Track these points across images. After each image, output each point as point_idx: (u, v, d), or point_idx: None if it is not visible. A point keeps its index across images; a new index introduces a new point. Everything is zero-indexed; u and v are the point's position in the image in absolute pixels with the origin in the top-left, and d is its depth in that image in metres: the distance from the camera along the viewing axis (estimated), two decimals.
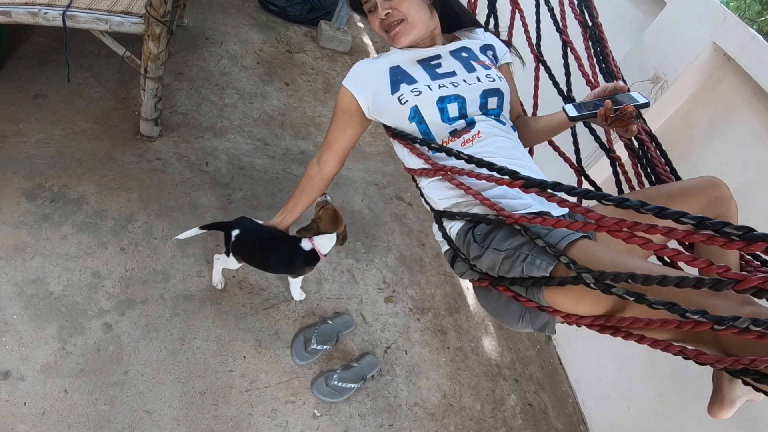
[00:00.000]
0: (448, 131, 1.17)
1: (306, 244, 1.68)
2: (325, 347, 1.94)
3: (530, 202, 1.06)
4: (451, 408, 2.04)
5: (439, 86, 1.18)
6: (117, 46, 2.02)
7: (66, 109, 2.29)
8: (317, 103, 3.12)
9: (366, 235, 2.47)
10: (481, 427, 2.04)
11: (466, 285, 2.52)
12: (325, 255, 1.73)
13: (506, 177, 0.92)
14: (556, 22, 1.67)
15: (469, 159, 1.01)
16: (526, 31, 1.73)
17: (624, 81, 1.56)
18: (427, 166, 1.17)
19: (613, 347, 2.19)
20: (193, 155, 2.39)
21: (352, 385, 1.88)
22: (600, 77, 1.57)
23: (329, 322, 2.02)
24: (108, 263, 1.86)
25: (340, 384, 1.85)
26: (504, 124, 1.21)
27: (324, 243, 1.70)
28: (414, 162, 1.23)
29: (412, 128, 1.20)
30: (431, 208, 1.23)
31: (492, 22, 1.75)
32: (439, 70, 1.22)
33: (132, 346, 1.71)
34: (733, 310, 0.67)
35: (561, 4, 1.69)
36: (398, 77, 1.22)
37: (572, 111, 1.10)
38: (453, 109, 1.17)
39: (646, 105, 1.04)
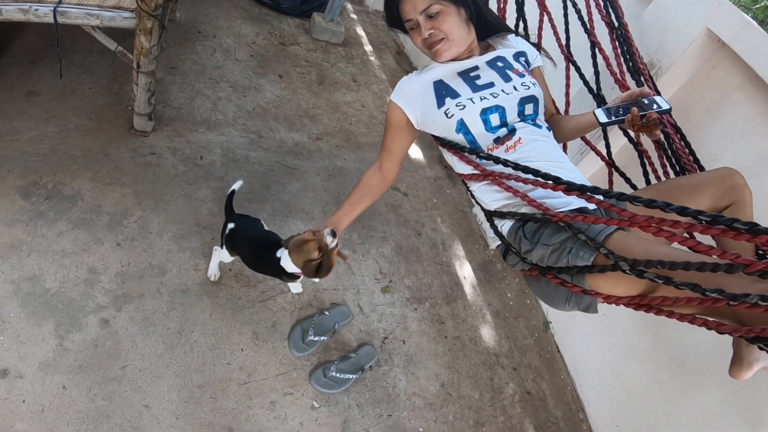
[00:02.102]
0: (492, 139, 1.27)
1: (281, 254, 1.48)
2: (322, 338, 1.94)
3: (570, 200, 1.15)
4: (450, 397, 2.06)
5: (481, 98, 1.27)
6: (109, 41, 2.01)
7: (59, 105, 2.28)
8: (311, 94, 3.11)
9: (362, 226, 2.47)
10: (480, 415, 2.05)
11: (463, 275, 2.53)
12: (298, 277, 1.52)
13: (550, 182, 1.04)
14: (584, 24, 1.72)
15: (516, 166, 1.13)
16: (555, 33, 1.78)
17: (652, 80, 1.60)
18: (476, 172, 1.29)
19: (612, 335, 2.20)
20: (188, 149, 2.38)
21: (350, 376, 1.89)
22: (627, 75, 1.61)
23: (326, 313, 2.03)
24: (104, 259, 1.87)
25: (338, 375, 1.86)
26: (540, 127, 1.31)
27: (286, 258, 1.45)
28: (464, 168, 1.34)
29: (459, 138, 1.30)
30: (482, 208, 1.35)
31: (521, 25, 1.80)
32: (479, 82, 1.31)
33: (129, 341, 1.72)
34: (746, 288, 0.78)
35: (588, 5, 1.74)
36: (442, 91, 1.32)
37: (602, 117, 1.19)
38: (495, 119, 1.27)
39: (669, 111, 1.12)
